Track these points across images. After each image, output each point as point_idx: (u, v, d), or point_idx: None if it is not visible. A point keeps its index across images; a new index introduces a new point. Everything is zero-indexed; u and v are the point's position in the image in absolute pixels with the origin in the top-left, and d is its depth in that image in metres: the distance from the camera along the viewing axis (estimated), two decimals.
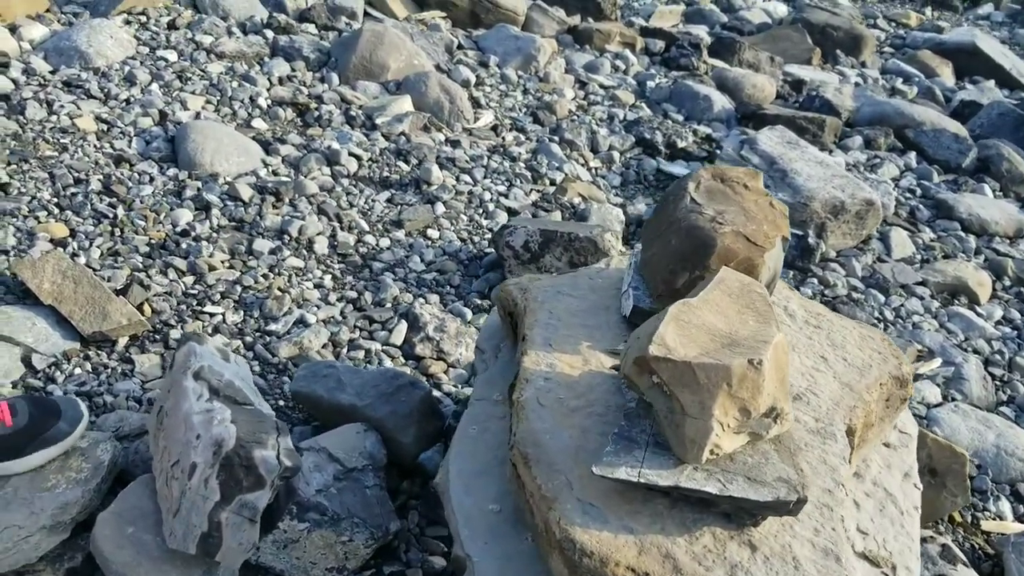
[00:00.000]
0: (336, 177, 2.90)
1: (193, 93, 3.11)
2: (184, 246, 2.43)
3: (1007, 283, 3.12)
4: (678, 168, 3.39)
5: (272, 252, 2.50)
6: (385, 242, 2.67)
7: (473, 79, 3.73)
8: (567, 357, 1.43)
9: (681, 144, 3.53)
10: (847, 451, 1.31)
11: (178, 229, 2.50)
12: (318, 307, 2.35)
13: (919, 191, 3.62)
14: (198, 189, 2.66)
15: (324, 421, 1.96)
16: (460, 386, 2.21)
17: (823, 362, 1.52)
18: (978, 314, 2.91)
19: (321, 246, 2.58)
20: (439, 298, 2.50)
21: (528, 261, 2.50)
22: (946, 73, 5.29)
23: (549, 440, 1.24)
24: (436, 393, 2.16)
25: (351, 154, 2.99)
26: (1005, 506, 2.17)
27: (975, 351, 2.73)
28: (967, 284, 3.01)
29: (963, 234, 3.34)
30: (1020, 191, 3.74)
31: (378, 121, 3.23)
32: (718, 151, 3.55)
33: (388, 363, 2.23)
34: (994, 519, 2.13)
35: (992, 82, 5.27)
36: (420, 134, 3.26)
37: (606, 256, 2.45)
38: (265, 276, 2.42)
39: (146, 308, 2.21)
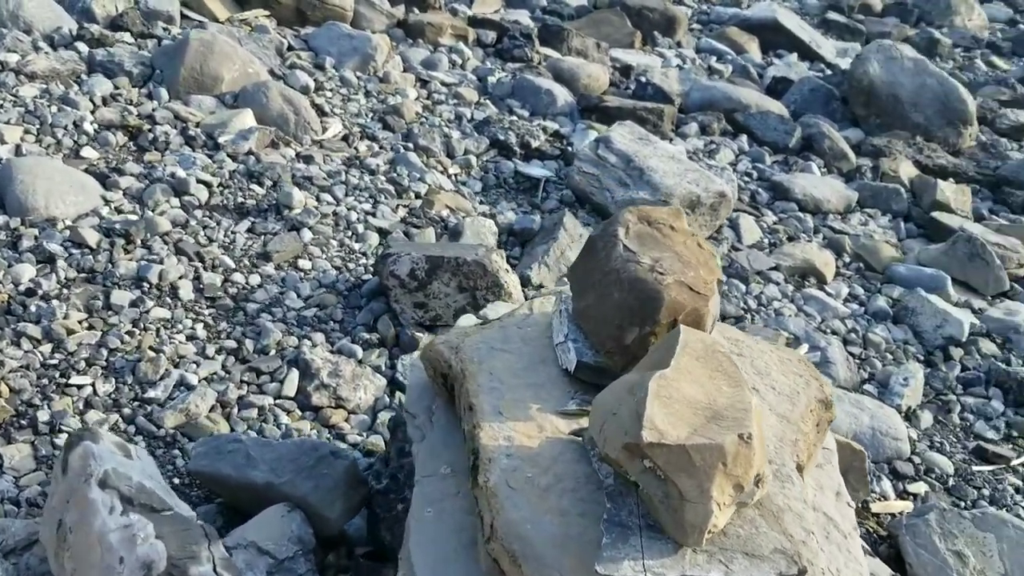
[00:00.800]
0: (188, 209, 2.67)
1: (8, 123, 2.76)
2: (33, 308, 2.17)
3: (847, 259, 3.34)
4: (535, 169, 3.38)
5: (133, 304, 2.28)
6: (255, 279, 2.50)
7: (312, 84, 3.55)
8: (521, 426, 1.39)
9: (535, 144, 3.52)
10: (805, 491, 1.35)
11: (21, 288, 2.22)
12: (197, 364, 2.17)
13: (755, 174, 3.80)
14: (35, 238, 2.38)
15: (231, 499, 1.81)
16: (365, 434, 2.12)
17: (755, 394, 1.55)
18: (828, 294, 3.11)
19: (186, 291, 2.38)
20: (324, 336, 2.37)
21: (415, 289, 2.42)
22: (753, 48, 5.57)
23: (531, 531, 1.20)
24: (342, 444, 2.05)
25: (199, 181, 2.77)
26: (887, 485, 2.33)
27: (833, 332, 2.91)
28: (814, 265, 3.20)
29: (801, 214, 3.55)
30: (842, 166, 4.00)
31: (221, 140, 3.01)
32: (570, 148, 3.57)
33: (284, 419, 2.09)
34: (879, 499, 2.29)
35: (795, 55, 5.60)
36: (269, 151, 3.07)
37: (494, 279, 2.41)
38: (131, 333, 2.20)
39: (2, 388, 1.95)
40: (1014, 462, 2.49)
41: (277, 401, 2.13)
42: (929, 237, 3.63)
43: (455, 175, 3.28)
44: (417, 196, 3.04)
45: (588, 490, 1.28)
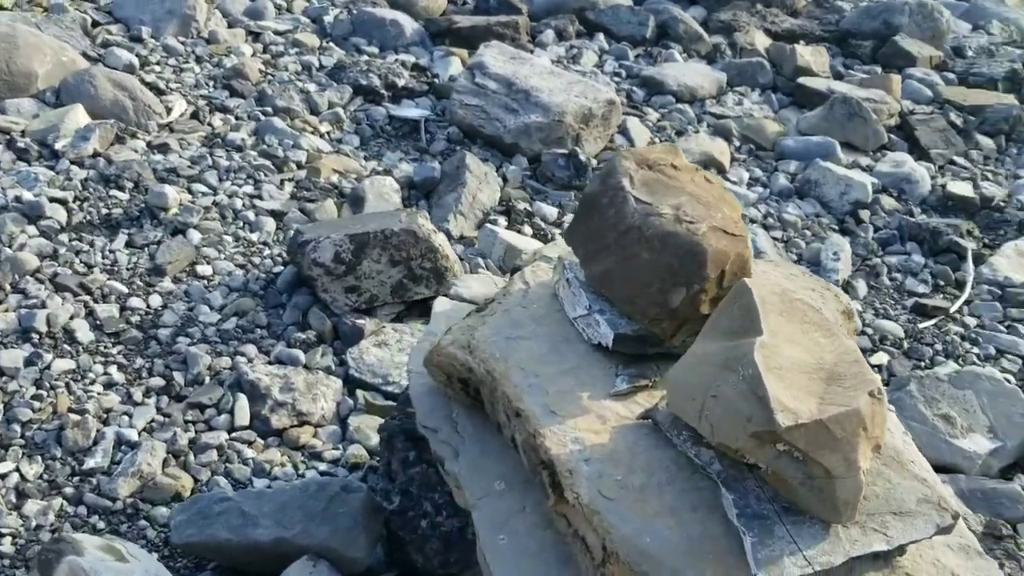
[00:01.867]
0: (50, 235, 2.30)
1: None
2: None
3: (737, 144, 3.32)
4: (411, 111, 3.14)
5: (29, 362, 1.94)
6: (155, 300, 2.19)
7: (136, 61, 3.12)
8: (582, 422, 1.25)
9: (400, 83, 3.26)
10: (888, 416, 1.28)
11: None
12: (128, 415, 1.88)
13: (624, 72, 3.70)
14: None
15: (228, 561, 1.59)
16: (342, 446, 1.91)
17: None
18: (733, 182, 3.09)
19: (84, 332, 2.05)
20: (255, 348, 2.12)
21: (344, 274, 2.19)
22: None
23: (652, 543, 1.08)
24: (321, 466, 1.85)
25: (52, 200, 2.38)
26: None
27: (751, 220, 2.90)
28: (712, 156, 3.16)
29: (680, 106, 3.49)
30: (700, 48, 3.96)
31: (58, 146, 2.59)
32: (436, 79, 3.34)
33: (248, 452, 1.86)
34: None
35: None
36: (117, 148, 2.68)
37: (427, 244, 2.21)
38: (38, 398, 1.87)
39: None
40: (952, 310, 2.58)
41: (233, 435, 1.89)
42: (800, 104, 3.67)
43: (328, 133, 3.00)
44: (299, 166, 2.75)
45: (684, 478, 1.16)
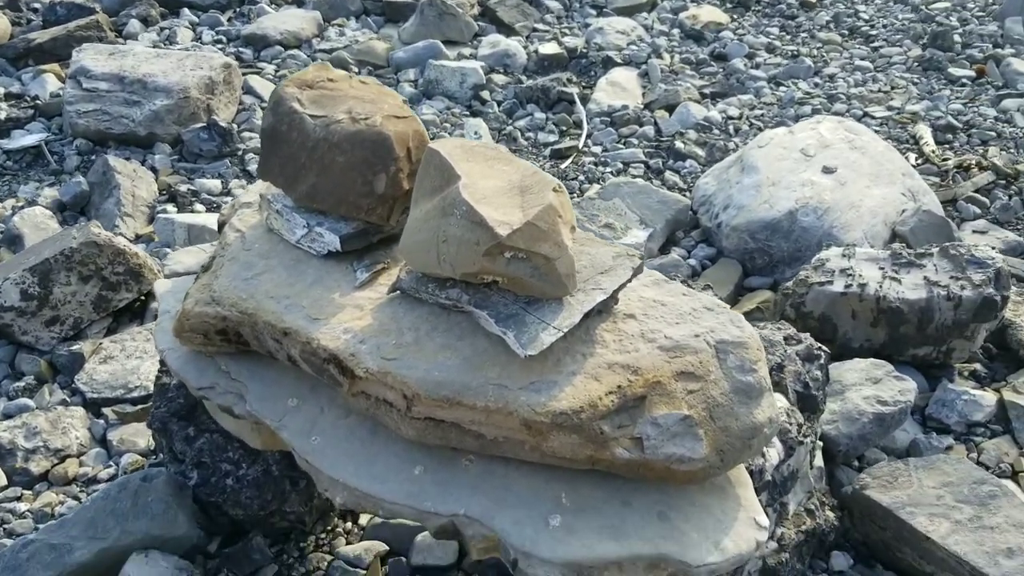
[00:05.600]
0: None
1: None
2: None
3: (356, 70, 3.52)
4: (25, 139, 2.97)
5: None
6: None
7: None
8: (345, 315, 1.41)
9: (2, 115, 3.05)
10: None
11: None
12: None
13: (223, 38, 3.73)
14: None
15: None
16: (115, 462, 1.91)
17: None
18: None
19: None
20: None
21: (38, 309, 2.12)
22: None
23: (439, 375, 1.29)
24: (102, 486, 1.85)
25: None
26: None
27: None
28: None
29: (293, 51, 3.60)
30: None
31: None
32: (39, 100, 3.17)
33: (23, 507, 1.80)
34: None
35: None
36: None
37: (112, 249, 2.19)
38: None
39: None
40: (580, 146, 3.02)
41: None
42: (393, 20, 3.94)
43: None
44: None
45: (444, 320, 1.37)
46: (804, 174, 2.39)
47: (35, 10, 4.04)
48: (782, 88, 3.28)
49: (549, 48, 3.61)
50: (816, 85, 3.28)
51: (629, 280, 1.36)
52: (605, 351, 1.30)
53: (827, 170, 2.38)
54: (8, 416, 1.99)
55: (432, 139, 2.95)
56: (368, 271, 1.50)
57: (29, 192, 2.75)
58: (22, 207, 2.65)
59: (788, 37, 3.67)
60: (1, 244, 2.48)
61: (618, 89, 3.28)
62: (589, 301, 1.31)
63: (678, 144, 2.92)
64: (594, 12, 3.95)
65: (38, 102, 3.19)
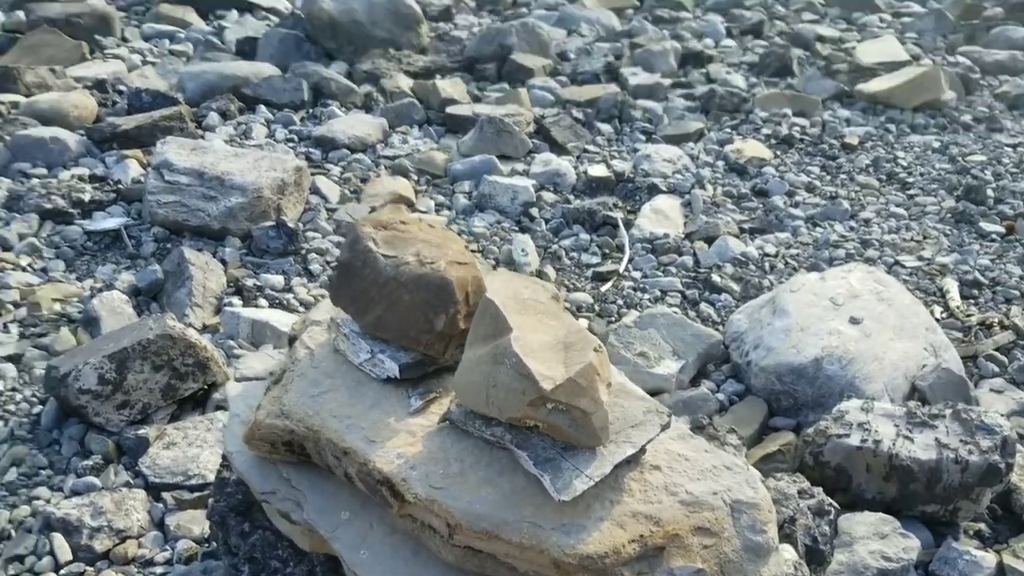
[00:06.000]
0: None
1: None
2: None
3: (415, 178, 3.75)
4: (107, 222, 3.21)
5: None
6: None
7: None
8: (398, 440, 1.57)
9: (86, 197, 3.32)
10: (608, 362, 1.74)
11: None
12: None
13: (296, 137, 4.00)
14: None
15: None
16: (171, 547, 2.06)
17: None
18: (424, 212, 3.51)
19: None
20: (48, 489, 2.18)
21: (112, 393, 2.31)
22: (194, 18, 5.58)
23: (480, 508, 1.43)
24: (158, 570, 2.00)
25: None
26: None
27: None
28: (400, 194, 3.56)
29: (358, 156, 3.86)
30: (355, 100, 4.36)
31: None
32: (121, 185, 3.43)
33: None
34: None
35: (234, 12, 5.72)
36: None
37: (185, 342, 2.38)
38: None
39: None
40: (621, 270, 3.19)
41: (63, 572, 1.97)
42: (453, 131, 4.19)
43: (30, 264, 3.00)
44: (16, 305, 2.76)
45: (487, 455, 1.53)
46: (832, 322, 2.54)
47: (120, 92, 4.36)
48: (819, 229, 3.44)
49: (598, 170, 3.82)
50: (851, 228, 3.44)
51: (657, 435, 1.51)
52: (631, 500, 1.44)
53: (854, 321, 2.52)
54: (77, 493, 2.16)
55: (481, 251, 3.14)
56: (422, 399, 1.66)
57: (107, 274, 2.97)
58: (100, 289, 2.87)
59: (828, 178, 3.85)
60: (79, 325, 2.69)
61: (661, 217, 3.47)
62: (620, 453, 1.46)
63: (715, 277, 3.09)
64: (643, 138, 4.17)
65: (120, 186, 3.45)
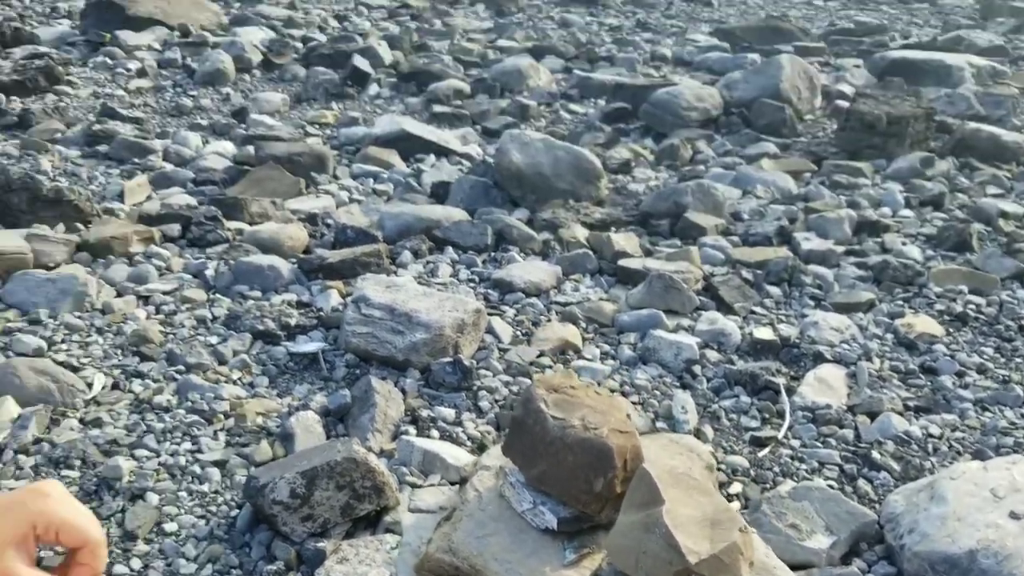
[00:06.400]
0: None
1: None
2: None
3: (583, 325, 3.97)
4: (308, 345, 3.60)
5: None
6: (136, 563, 2.49)
7: (44, 344, 3.44)
8: None
9: (293, 321, 3.73)
10: (754, 537, 1.84)
11: None
12: None
13: (477, 278, 4.33)
14: None
15: None
16: None
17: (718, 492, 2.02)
18: (588, 360, 3.71)
19: None
20: None
21: (299, 506, 2.57)
22: (396, 160, 6.14)
23: None
24: None
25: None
26: None
27: (611, 390, 3.51)
28: (567, 339, 3.79)
29: (532, 300, 4.14)
30: (533, 247, 4.68)
31: None
32: (322, 312, 3.83)
33: None
34: None
35: (432, 156, 6.27)
36: (56, 431, 2.98)
37: (366, 466, 2.64)
38: None
39: None
40: (780, 437, 3.24)
41: None
42: (623, 282, 4.40)
43: (239, 379, 3.40)
44: (225, 415, 3.13)
45: None
46: (991, 515, 2.50)
47: (328, 226, 4.88)
48: (987, 413, 3.38)
49: (764, 333, 3.91)
50: (1022, 416, 3.35)
51: None
52: None
53: (1014, 516, 2.48)
54: None
55: (641, 404, 3.27)
56: (576, 552, 1.81)
57: (302, 393, 3.32)
58: (297, 407, 3.21)
59: (1002, 360, 3.77)
60: (276, 439, 3.02)
61: (824, 386, 3.51)
62: None
63: (875, 454, 3.08)
64: (812, 304, 4.24)
65: (321, 313, 3.85)
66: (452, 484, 2.57)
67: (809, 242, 4.77)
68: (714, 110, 7.02)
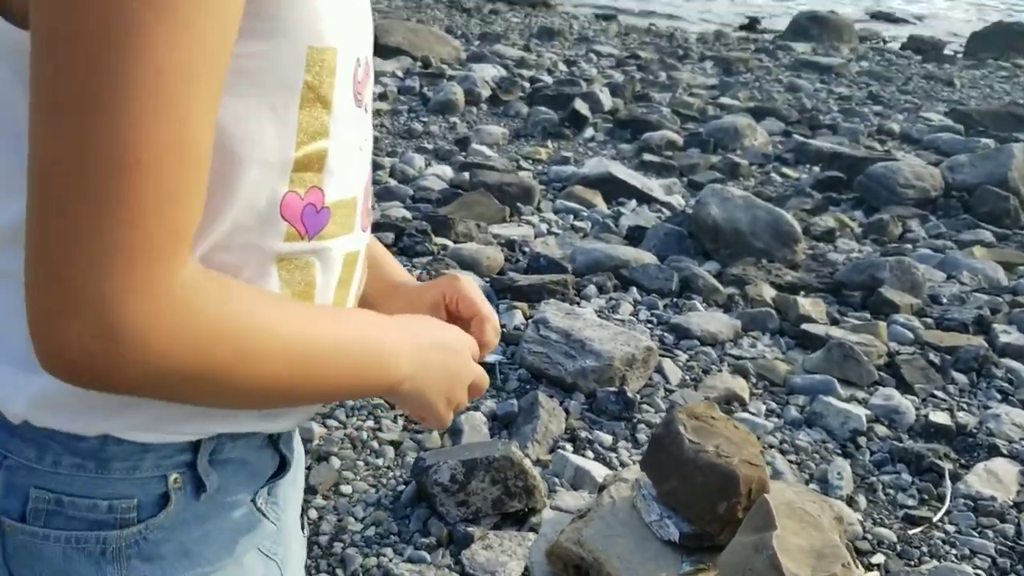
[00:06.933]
0: None
1: None
2: None
3: (753, 381, 4.05)
4: (487, 356, 3.89)
5: None
6: (312, 513, 2.85)
7: None
8: None
9: None
10: None
11: None
12: None
13: (655, 320, 4.50)
14: None
15: None
16: None
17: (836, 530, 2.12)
18: (753, 414, 3.78)
19: None
20: (392, 550, 2.75)
21: (456, 491, 2.85)
22: (599, 201, 6.41)
23: None
24: None
25: None
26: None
27: (769, 446, 3.57)
28: (734, 391, 3.88)
29: (705, 348, 4.25)
30: (717, 299, 4.79)
31: None
32: (504, 328, 4.13)
33: None
34: None
35: (634, 201, 6.49)
36: None
37: (520, 468, 2.88)
38: None
39: None
40: (935, 519, 3.19)
41: None
42: (803, 346, 4.42)
43: None
44: None
45: None
46: None
47: (524, 253, 5.21)
48: None
49: (940, 417, 3.82)
50: None
51: None
52: None
53: None
54: (411, 561, 2.70)
55: (798, 464, 3.32)
56: (691, 566, 1.96)
57: (477, 399, 3.62)
58: (468, 408, 3.51)
59: None
60: (445, 432, 3.33)
61: (994, 479, 3.40)
62: None
63: None
64: (999, 397, 4.09)
65: (504, 329, 4.16)
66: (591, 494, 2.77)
67: (1008, 335, 4.58)
68: (933, 191, 6.80)
